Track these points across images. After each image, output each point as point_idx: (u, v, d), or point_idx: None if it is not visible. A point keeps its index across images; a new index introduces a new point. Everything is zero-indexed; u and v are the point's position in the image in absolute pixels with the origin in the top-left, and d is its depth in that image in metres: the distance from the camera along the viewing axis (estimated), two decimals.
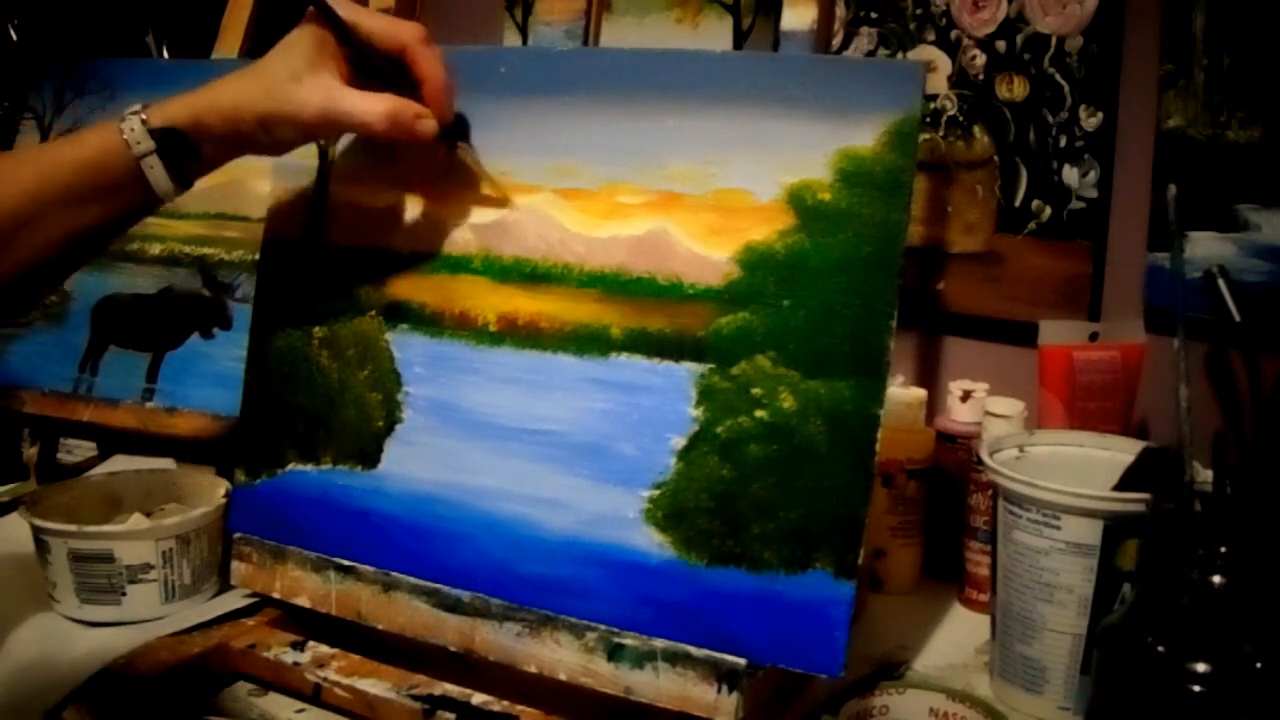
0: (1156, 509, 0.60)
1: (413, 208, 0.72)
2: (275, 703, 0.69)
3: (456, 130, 0.69)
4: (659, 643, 0.61)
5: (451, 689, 0.66)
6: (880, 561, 0.86)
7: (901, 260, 0.59)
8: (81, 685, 0.67)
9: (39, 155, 0.64)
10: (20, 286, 0.62)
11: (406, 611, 0.68)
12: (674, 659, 0.60)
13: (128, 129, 0.62)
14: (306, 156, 0.75)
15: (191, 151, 0.63)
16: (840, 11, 0.99)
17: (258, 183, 0.87)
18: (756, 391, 0.61)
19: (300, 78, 0.63)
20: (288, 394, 0.74)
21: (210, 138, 0.64)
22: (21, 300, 0.68)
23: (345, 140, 0.75)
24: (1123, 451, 0.72)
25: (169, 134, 0.62)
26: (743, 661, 0.59)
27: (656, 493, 0.62)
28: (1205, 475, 0.55)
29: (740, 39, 1.05)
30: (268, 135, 0.64)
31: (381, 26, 0.66)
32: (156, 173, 0.62)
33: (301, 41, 0.64)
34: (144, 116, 0.62)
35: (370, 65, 0.65)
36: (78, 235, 0.62)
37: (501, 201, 0.69)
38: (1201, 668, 0.52)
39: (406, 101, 0.65)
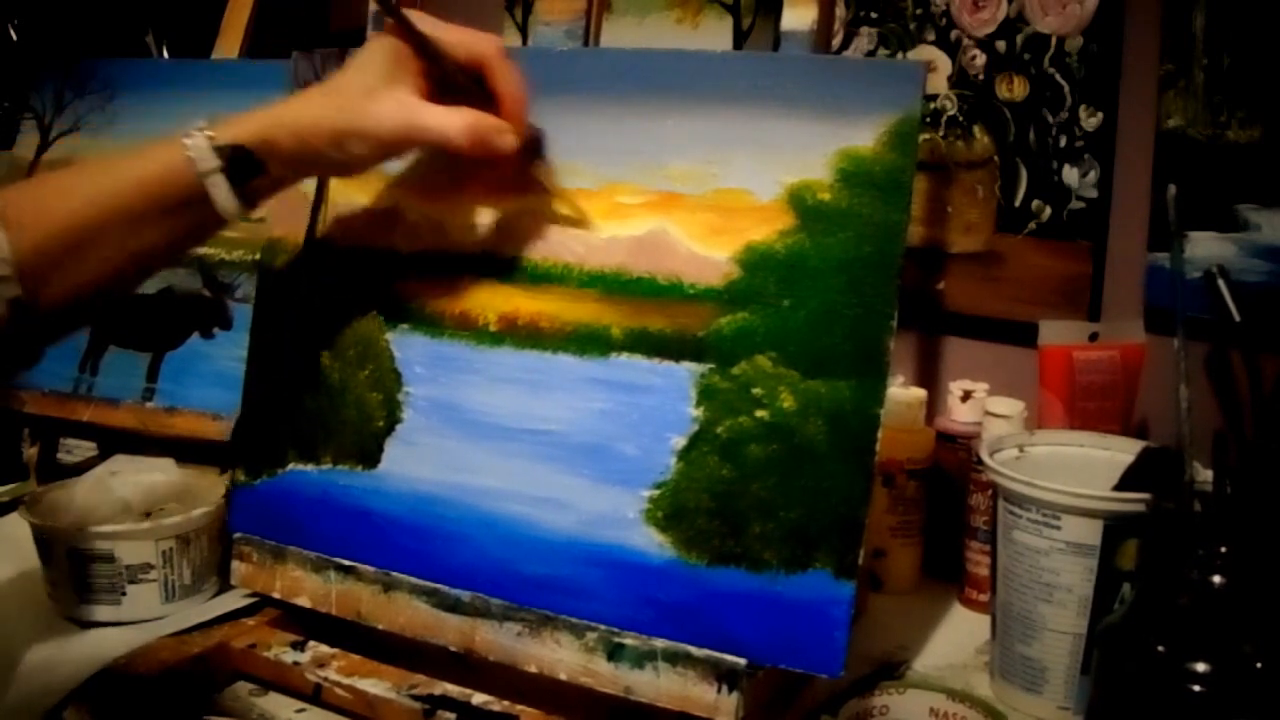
0: (1156, 509, 0.60)
1: (413, 208, 0.72)
2: (275, 703, 0.69)
3: (530, 146, 0.67)
4: (659, 643, 0.61)
5: (451, 689, 0.66)
6: (880, 561, 0.86)
7: (902, 260, 0.59)
8: (81, 685, 0.67)
9: (99, 171, 0.61)
10: (77, 308, 0.60)
11: (406, 611, 0.68)
12: (674, 659, 0.60)
13: (193, 145, 0.59)
14: None
15: (258, 170, 0.61)
16: (840, 11, 0.99)
17: None
18: (757, 391, 0.61)
19: (375, 93, 0.61)
20: (288, 394, 0.74)
21: (278, 156, 0.61)
22: (77, 321, 0.64)
23: None
24: (1123, 451, 0.72)
25: (235, 152, 0.60)
26: (743, 661, 0.59)
27: (657, 493, 0.62)
28: (1205, 475, 0.55)
29: (740, 39, 1.05)
30: (341, 152, 0.62)
31: (461, 40, 0.63)
32: (221, 191, 0.60)
33: (376, 57, 0.62)
34: (210, 133, 0.59)
35: (447, 80, 0.63)
36: (138, 255, 0.60)
37: (578, 220, 0.67)
38: (1201, 668, 0.52)
39: (485, 115, 0.63)
